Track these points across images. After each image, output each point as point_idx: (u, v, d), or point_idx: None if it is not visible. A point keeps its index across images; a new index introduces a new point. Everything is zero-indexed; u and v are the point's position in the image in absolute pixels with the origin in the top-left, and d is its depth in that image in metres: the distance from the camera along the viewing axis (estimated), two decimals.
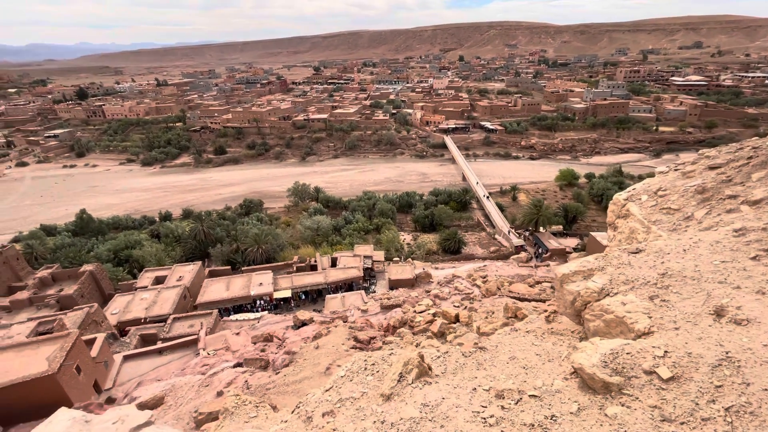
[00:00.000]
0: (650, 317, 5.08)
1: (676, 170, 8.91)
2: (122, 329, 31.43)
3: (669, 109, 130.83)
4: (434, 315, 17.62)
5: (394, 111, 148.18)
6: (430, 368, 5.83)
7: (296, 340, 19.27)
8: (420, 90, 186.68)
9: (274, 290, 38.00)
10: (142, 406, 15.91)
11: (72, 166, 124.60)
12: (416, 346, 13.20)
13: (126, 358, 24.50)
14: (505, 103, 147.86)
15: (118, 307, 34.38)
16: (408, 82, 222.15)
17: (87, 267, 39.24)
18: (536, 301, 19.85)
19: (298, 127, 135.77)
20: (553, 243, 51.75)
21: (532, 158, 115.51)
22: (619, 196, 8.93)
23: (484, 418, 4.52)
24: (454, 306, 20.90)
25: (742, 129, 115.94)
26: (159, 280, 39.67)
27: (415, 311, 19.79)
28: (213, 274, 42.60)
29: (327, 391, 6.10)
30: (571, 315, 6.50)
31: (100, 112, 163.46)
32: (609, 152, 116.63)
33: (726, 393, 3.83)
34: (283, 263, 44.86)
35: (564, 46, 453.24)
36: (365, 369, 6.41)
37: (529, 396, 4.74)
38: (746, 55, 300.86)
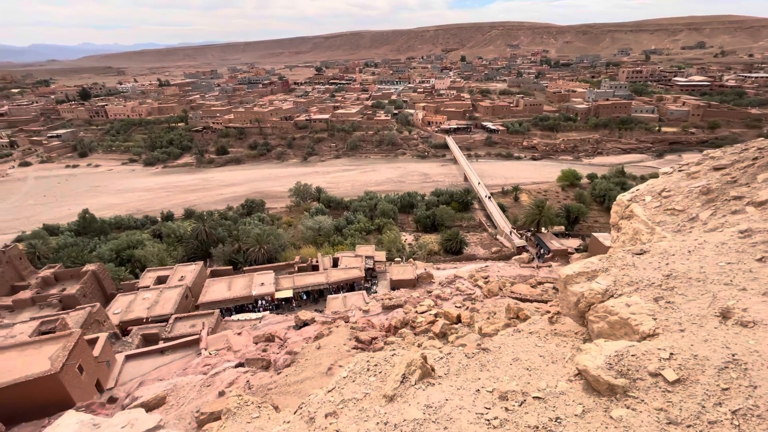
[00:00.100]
0: (655, 319, 5.05)
1: (680, 171, 8.86)
2: (124, 329, 31.52)
3: (671, 109, 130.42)
4: (436, 315, 17.59)
5: (395, 111, 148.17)
6: (433, 369, 5.80)
7: (298, 341, 19.27)
8: (422, 90, 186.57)
9: (276, 290, 38.03)
10: (144, 406, 15.94)
11: (75, 166, 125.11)
12: (418, 347, 13.17)
13: (128, 357, 24.56)
14: (507, 103, 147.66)
15: (120, 307, 34.47)
16: (410, 83, 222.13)
17: (89, 267, 39.37)
18: (538, 301, 19.79)
19: (299, 127, 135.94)
20: (555, 244, 51.63)
21: (534, 159, 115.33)
22: (623, 197, 8.89)
23: (488, 420, 4.49)
24: (456, 306, 20.87)
25: (745, 129, 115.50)
26: (161, 280, 39.77)
27: (416, 312, 19.74)
28: (215, 274, 42.68)
29: (329, 391, 6.08)
30: (574, 316, 6.46)
31: (103, 112, 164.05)
32: (611, 153, 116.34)
33: (733, 396, 3.79)
34: (284, 263, 44.91)
35: (566, 46, 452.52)
36: (368, 370, 6.39)
37: (533, 398, 4.71)
38: (749, 55, 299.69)
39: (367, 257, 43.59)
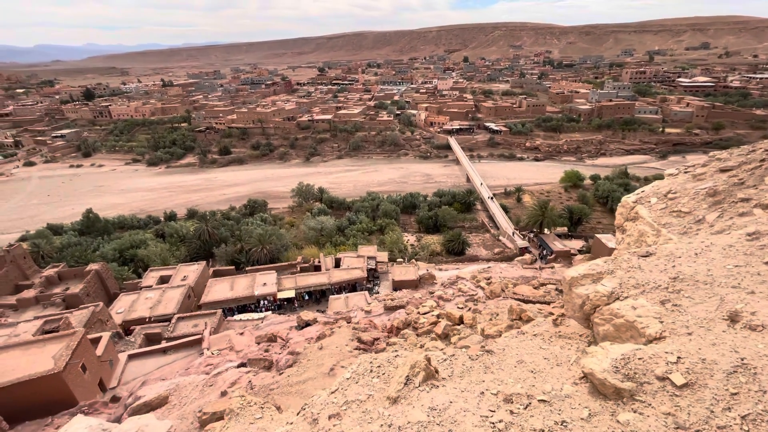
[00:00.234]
0: (662, 322, 5.00)
1: (686, 172, 8.79)
2: (127, 328, 31.61)
3: (675, 110, 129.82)
4: (438, 316, 17.54)
5: (398, 112, 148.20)
6: (436, 371, 5.77)
7: (300, 341, 19.26)
8: (424, 91, 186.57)
9: (278, 290, 38.07)
10: (146, 406, 15.97)
11: (78, 166, 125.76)
12: (420, 348, 13.14)
13: (131, 357, 24.63)
14: (509, 104, 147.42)
15: (123, 306, 34.59)
16: (412, 83, 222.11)
17: (93, 266, 39.52)
18: (541, 303, 19.71)
19: (302, 127, 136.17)
20: (558, 245, 51.45)
21: (536, 159, 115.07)
22: (628, 199, 8.83)
23: (493, 423, 4.46)
24: (458, 307, 20.81)
25: (749, 131, 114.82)
26: (164, 280, 39.88)
27: (418, 312, 19.69)
28: (217, 274, 42.77)
29: (333, 393, 6.06)
30: (579, 319, 6.42)
31: (107, 112, 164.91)
32: (614, 154, 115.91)
33: (742, 401, 3.74)
34: (287, 263, 44.96)
35: (569, 47, 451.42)
36: (371, 371, 6.37)
37: (539, 401, 4.67)
38: (754, 56, 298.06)
39: (369, 258, 43.57)
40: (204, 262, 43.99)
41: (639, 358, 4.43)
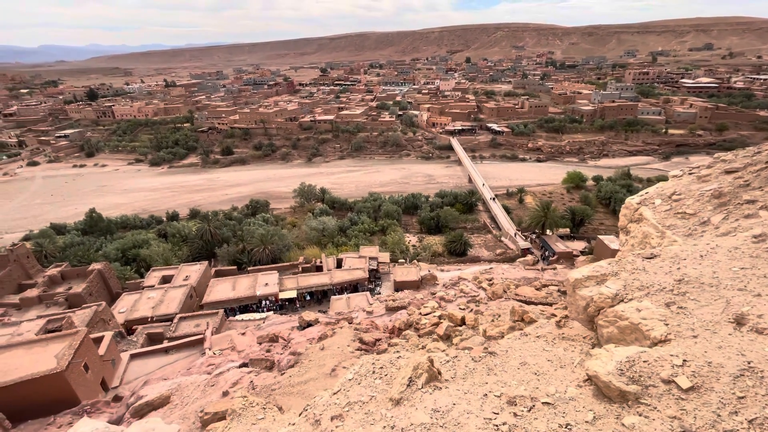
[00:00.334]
0: (667, 324, 4.96)
1: (690, 174, 8.74)
2: (129, 328, 31.68)
3: (679, 111, 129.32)
4: (440, 317, 17.50)
5: (400, 112, 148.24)
6: (439, 373, 5.75)
7: (301, 341, 19.25)
8: (426, 91, 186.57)
9: (280, 291, 38.09)
10: (148, 405, 15.99)
11: (82, 166, 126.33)
12: (422, 349, 13.11)
13: (133, 356, 24.67)
14: (512, 104, 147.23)
15: (126, 306, 34.67)
16: (414, 84, 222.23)
17: (95, 266, 39.65)
18: (543, 304, 19.63)
19: (304, 128, 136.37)
20: (560, 246, 51.30)
21: (539, 160, 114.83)
22: (632, 200, 8.78)
23: (497, 425, 4.43)
24: (460, 308, 20.74)
25: (753, 132, 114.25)
26: (166, 280, 39.96)
27: (420, 313, 19.64)
28: (219, 274, 42.83)
29: (335, 394, 6.04)
30: (583, 321, 6.38)
31: (110, 112, 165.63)
32: (617, 155, 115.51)
33: (749, 404, 3.71)
34: (288, 264, 44.99)
35: (572, 47, 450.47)
36: (373, 372, 6.35)
37: (542, 403, 4.64)
38: (758, 57, 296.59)
39: (370, 258, 43.55)
40: (206, 262, 44.06)
41: (644, 361, 4.40)
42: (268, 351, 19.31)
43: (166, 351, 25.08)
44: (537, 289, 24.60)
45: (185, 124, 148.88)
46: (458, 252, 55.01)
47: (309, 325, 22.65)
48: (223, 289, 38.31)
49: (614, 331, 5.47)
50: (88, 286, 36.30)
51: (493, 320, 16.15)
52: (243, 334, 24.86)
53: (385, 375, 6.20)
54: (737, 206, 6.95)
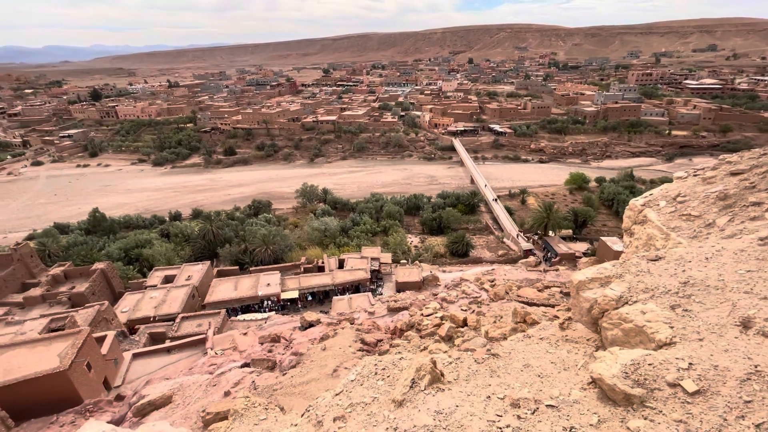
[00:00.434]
0: (672, 327, 4.92)
1: (695, 176, 8.69)
2: (132, 327, 31.77)
3: (682, 112, 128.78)
4: (442, 318, 17.46)
5: (402, 113, 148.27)
6: (442, 374, 5.73)
7: (303, 341, 19.26)
8: (429, 92, 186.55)
9: (282, 291, 38.12)
10: (150, 405, 16.03)
11: (85, 166, 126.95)
12: (423, 350, 13.08)
13: (135, 356, 24.73)
14: (514, 105, 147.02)
15: (128, 306, 34.78)
16: (417, 85, 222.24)
17: (98, 265, 39.82)
18: (545, 306, 19.57)
19: (306, 128, 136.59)
20: (563, 247, 51.15)
21: (541, 161, 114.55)
22: (636, 202, 8.73)
23: (500, 428, 4.41)
24: (462, 310, 20.69)
25: (757, 133, 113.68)
26: (168, 279, 40.06)
27: (422, 314, 19.61)
28: (221, 274, 42.91)
29: (337, 395, 6.03)
30: (587, 323, 6.35)
31: (113, 112, 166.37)
32: (620, 156, 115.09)
33: (756, 409, 3.67)
34: (290, 264, 45.03)
35: (575, 48, 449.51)
36: (376, 373, 6.34)
37: (546, 406, 4.61)
38: (762, 58, 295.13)
39: (372, 259, 43.53)
40: (208, 262, 44.15)
41: (649, 364, 4.37)
42: (269, 351, 19.32)
43: (168, 351, 25.14)
44: (539, 291, 24.52)
45: (188, 125, 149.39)
46: (460, 253, 54.94)
47: (311, 325, 22.66)
48: (225, 289, 38.38)
49: (618, 334, 5.44)
50: (91, 285, 36.44)
51: (495, 321, 16.11)
52: (245, 334, 24.88)
53: (388, 376, 6.19)
54: (743, 208, 6.90)
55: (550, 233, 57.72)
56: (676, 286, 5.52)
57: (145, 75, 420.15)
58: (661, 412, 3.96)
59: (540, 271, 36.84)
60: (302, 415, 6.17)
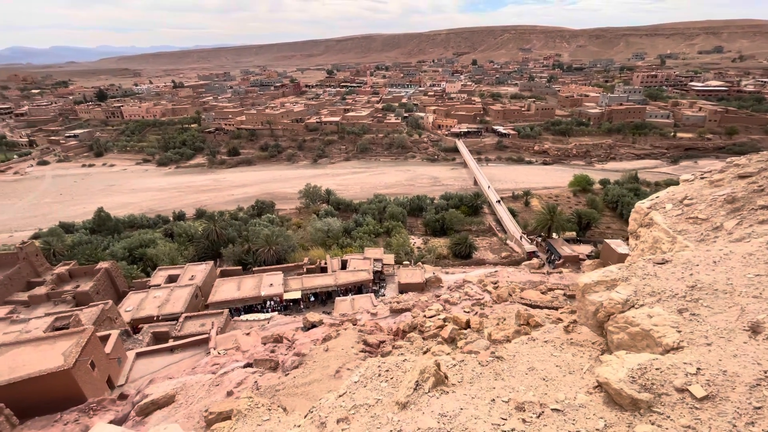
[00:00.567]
0: (679, 331, 4.87)
1: (702, 178, 8.61)
2: (135, 326, 31.90)
3: (687, 114, 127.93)
4: (444, 320, 17.42)
5: (406, 114, 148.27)
6: (446, 377, 5.70)
7: (306, 342, 19.26)
8: (432, 94, 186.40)
9: (285, 291, 38.16)
10: (153, 404, 16.07)
11: (90, 165, 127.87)
12: (426, 352, 13.03)
13: (138, 355, 24.82)
14: (518, 107, 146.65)
15: (132, 305, 34.93)
16: (420, 86, 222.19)
17: (103, 264, 40.04)
18: (549, 308, 19.46)
19: (310, 129, 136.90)
20: (566, 250, 50.86)
21: (545, 163, 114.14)
22: (642, 204, 8.66)
23: None
24: (465, 311, 20.64)
25: (764, 136, 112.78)
26: (172, 279, 40.21)
27: (425, 316, 19.57)
28: (224, 274, 43.03)
29: (341, 396, 6.01)
30: (592, 326, 6.29)
31: (119, 113, 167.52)
32: (624, 158, 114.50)
33: (766, 415, 3.62)
34: (293, 264, 45.09)
35: (579, 50, 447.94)
36: (379, 375, 6.31)
37: (552, 410, 4.57)
38: None
39: (375, 260, 43.48)
40: (212, 262, 44.27)
41: (656, 369, 4.32)
42: (272, 351, 19.34)
43: (171, 350, 25.21)
44: (542, 293, 24.40)
45: (192, 125, 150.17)
46: (463, 254, 54.78)
47: (313, 326, 22.68)
48: (228, 289, 38.47)
49: (625, 338, 5.39)
50: (95, 284, 36.65)
51: (498, 324, 16.03)
52: (247, 334, 24.94)
53: (391, 378, 6.16)
54: (751, 212, 6.83)
55: (554, 235, 57.45)
56: (684, 289, 5.46)
57: (150, 75, 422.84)
58: (669, 417, 3.92)
59: (543, 273, 36.66)
60: (305, 416, 6.15)
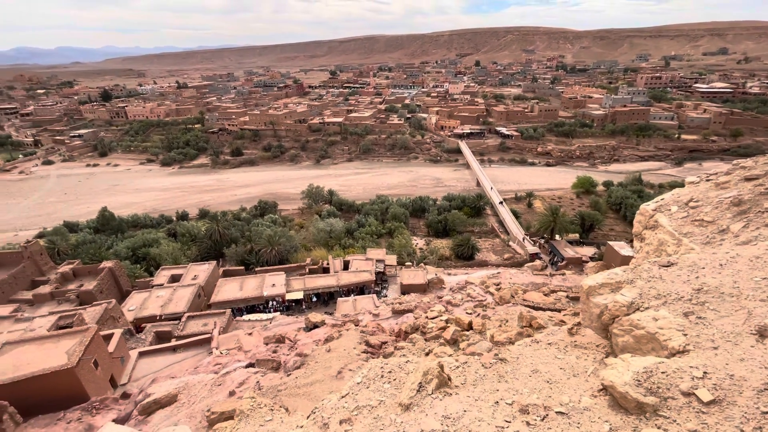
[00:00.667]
0: (685, 335, 4.83)
1: (708, 180, 8.55)
2: (138, 326, 32.04)
3: (692, 116, 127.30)
4: (447, 321, 17.37)
5: (408, 115, 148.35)
6: (449, 379, 5.68)
7: (308, 343, 19.27)
8: (435, 95, 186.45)
9: (287, 291, 38.22)
10: (156, 403, 16.11)
11: (95, 165, 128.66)
12: (428, 353, 12.99)
13: (141, 354, 24.92)
14: (521, 108, 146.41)
15: (135, 304, 35.08)
16: (423, 87, 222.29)
17: (106, 263, 40.27)
18: (551, 310, 19.40)
19: (313, 130, 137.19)
20: (569, 251, 50.70)
21: (548, 165, 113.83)
22: (647, 207, 8.61)
23: None
24: (467, 313, 20.60)
25: None
26: (175, 279, 40.37)
27: (427, 317, 19.52)
28: (227, 274, 43.15)
29: (343, 397, 6.00)
30: (597, 329, 6.26)
31: (123, 113, 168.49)
32: (628, 160, 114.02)
33: None
34: (295, 265, 45.17)
35: (583, 51, 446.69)
36: (382, 376, 6.30)
37: (556, 413, 4.54)
38: None
39: (377, 261, 43.48)
40: (214, 262, 44.42)
41: (662, 372, 4.28)
42: (274, 352, 19.35)
43: (173, 349, 25.30)
44: (545, 295, 24.31)
45: (196, 125, 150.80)
46: (465, 256, 54.69)
47: (315, 326, 22.69)
48: (230, 289, 38.57)
49: (630, 341, 5.35)
50: (99, 283, 36.85)
51: (500, 325, 15.97)
52: (250, 334, 24.96)
53: (394, 379, 6.15)
54: (758, 214, 6.77)
55: (557, 237, 57.28)
56: (689, 292, 5.42)
57: (154, 76, 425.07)
58: (675, 421, 3.88)
59: (546, 275, 36.56)
60: (308, 417, 6.15)
